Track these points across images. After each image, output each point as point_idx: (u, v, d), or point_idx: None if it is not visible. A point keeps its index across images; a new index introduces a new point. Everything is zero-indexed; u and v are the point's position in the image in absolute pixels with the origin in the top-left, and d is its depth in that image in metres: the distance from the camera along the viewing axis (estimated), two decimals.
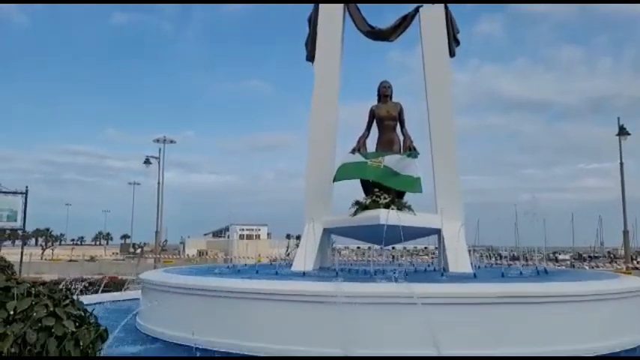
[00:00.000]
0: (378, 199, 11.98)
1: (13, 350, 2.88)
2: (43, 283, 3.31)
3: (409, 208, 12.13)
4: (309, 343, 7.15)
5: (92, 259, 62.33)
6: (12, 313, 2.97)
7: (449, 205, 12.33)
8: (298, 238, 14.88)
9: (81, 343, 3.19)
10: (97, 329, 3.50)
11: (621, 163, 27.83)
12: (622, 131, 28.27)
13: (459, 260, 11.49)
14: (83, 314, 3.44)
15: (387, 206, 11.58)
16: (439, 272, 11.99)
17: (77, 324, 3.26)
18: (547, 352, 7.16)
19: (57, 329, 3.07)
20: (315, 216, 12.82)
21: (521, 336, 7.29)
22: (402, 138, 13.43)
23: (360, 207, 12.23)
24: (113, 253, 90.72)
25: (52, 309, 3.12)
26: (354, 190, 13.19)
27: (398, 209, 11.54)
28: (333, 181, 12.68)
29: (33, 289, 3.22)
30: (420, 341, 6.30)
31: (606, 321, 7.93)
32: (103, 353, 3.67)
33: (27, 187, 16.83)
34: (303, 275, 10.62)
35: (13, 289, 3.12)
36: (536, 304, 7.53)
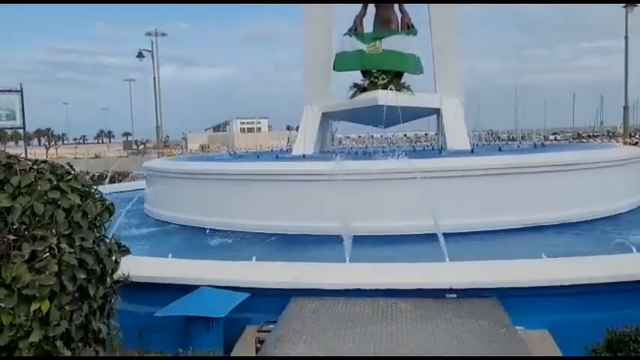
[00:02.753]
0: (377, 81, 11.81)
1: (25, 225, 2.98)
2: (45, 161, 3.33)
3: (408, 88, 11.99)
4: (311, 219, 7.41)
5: (96, 156, 62.74)
6: (17, 187, 3.01)
7: (448, 82, 12.16)
8: (298, 129, 14.85)
9: (89, 215, 3.27)
10: (103, 203, 3.56)
11: (626, 37, 27.13)
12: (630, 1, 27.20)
13: (458, 137, 11.57)
14: (87, 189, 3.48)
15: (385, 87, 11.46)
16: (438, 150, 12.13)
17: (82, 198, 3.32)
18: (545, 218, 7.45)
19: (63, 202, 3.12)
20: (313, 100, 12.71)
21: (523, 204, 7.51)
22: (399, 15, 12.91)
23: (359, 89, 12.10)
24: (117, 150, 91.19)
25: (55, 183, 3.16)
26: (352, 73, 12.93)
27: (396, 90, 11.43)
28: (333, 70, 12.51)
29: (35, 165, 3.25)
30: (419, 213, 6.49)
31: (600, 187, 8.14)
32: (113, 230, 3.81)
33: (21, 84, 16.74)
34: (303, 157, 10.79)
35: (15, 166, 3.15)
36: (534, 173, 7.71)
